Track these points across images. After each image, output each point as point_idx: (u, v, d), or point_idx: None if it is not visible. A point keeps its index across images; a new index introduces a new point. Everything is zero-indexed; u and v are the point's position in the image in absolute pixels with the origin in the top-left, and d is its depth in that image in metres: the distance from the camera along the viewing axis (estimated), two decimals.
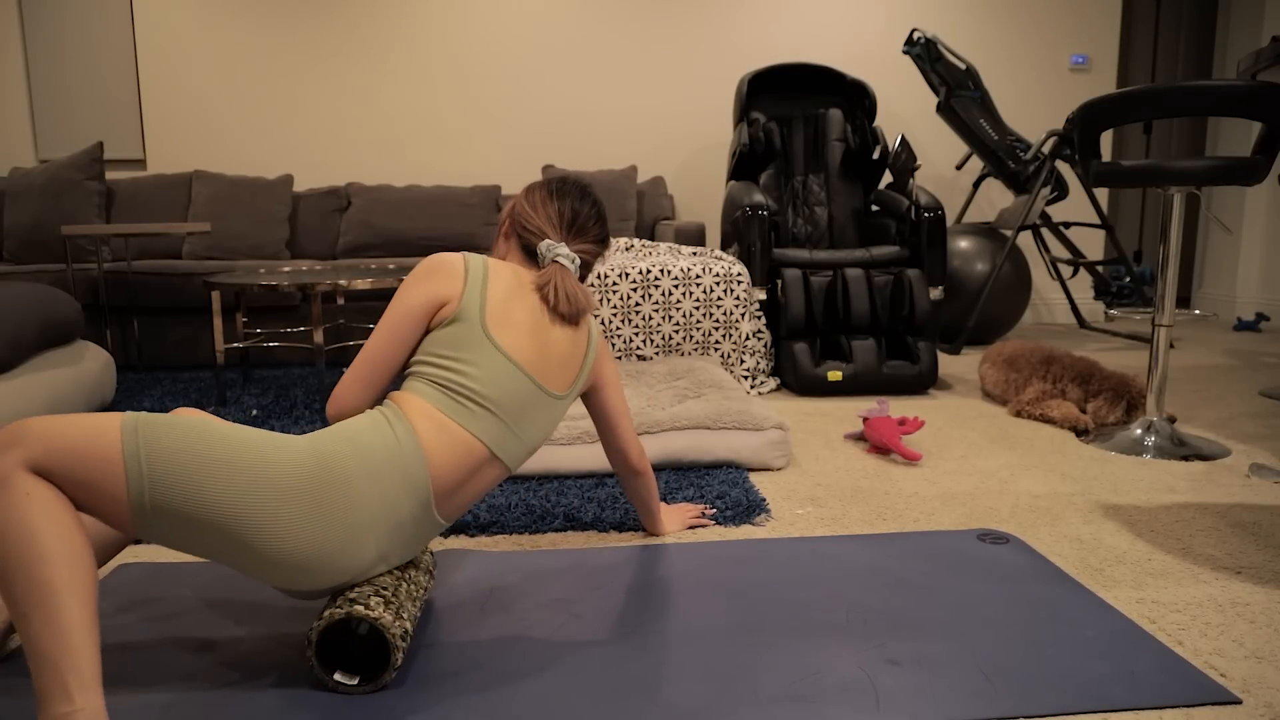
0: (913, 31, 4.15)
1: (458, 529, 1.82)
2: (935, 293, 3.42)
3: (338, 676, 1.18)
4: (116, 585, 1.55)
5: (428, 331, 1.32)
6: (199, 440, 1.10)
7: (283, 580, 1.16)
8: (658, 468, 2.20)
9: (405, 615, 1.22)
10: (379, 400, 1.34)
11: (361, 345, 3.78)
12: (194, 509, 1.08)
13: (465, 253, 1.38)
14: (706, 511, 1.87)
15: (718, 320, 3.16)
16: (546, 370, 1.37)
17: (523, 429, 1.34)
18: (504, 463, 1.33)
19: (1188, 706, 1.15)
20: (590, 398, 1.57)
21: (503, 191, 4.73)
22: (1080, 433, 2.60)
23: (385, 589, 1.22)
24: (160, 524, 1.09)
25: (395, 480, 1.20)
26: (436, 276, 1.32)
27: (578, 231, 1.48)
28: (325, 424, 2.70)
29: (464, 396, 1.27)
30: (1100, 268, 4.65)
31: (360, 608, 1.16)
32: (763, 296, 3.31)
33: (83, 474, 1.05)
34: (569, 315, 1.41)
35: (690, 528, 1.82)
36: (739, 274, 3.17)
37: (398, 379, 1.36)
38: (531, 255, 1.46)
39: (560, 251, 1.43)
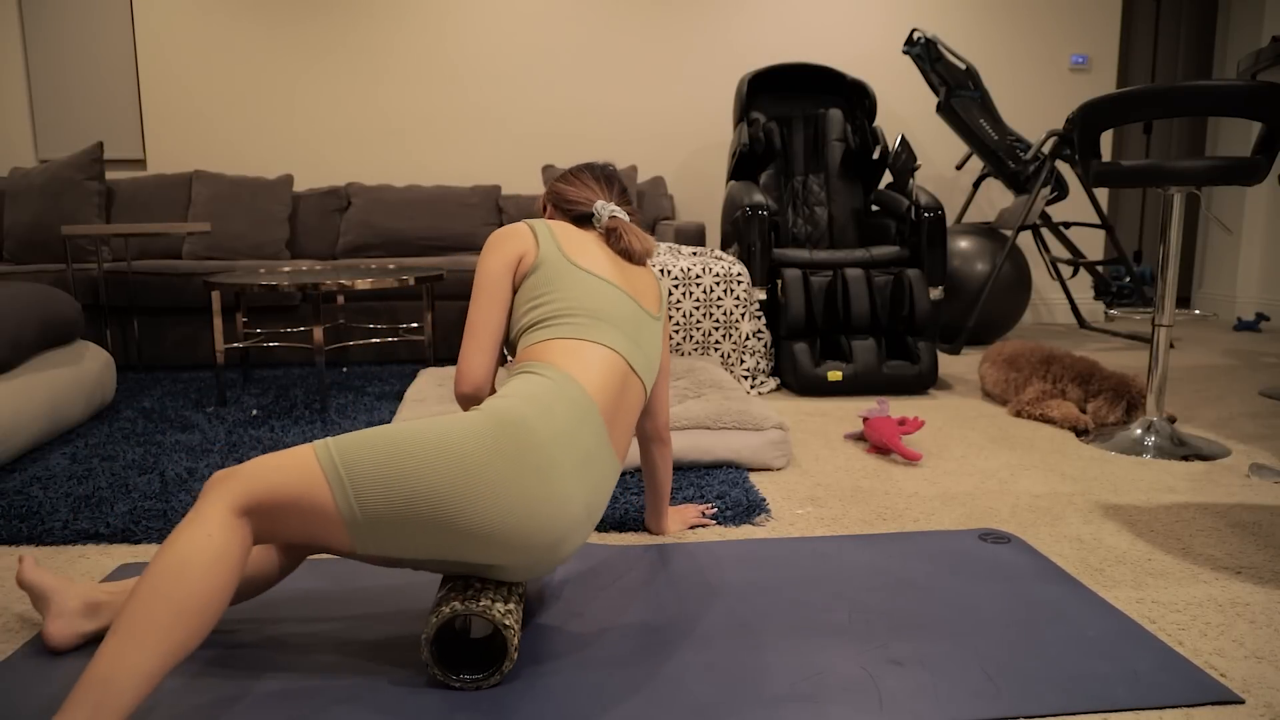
0: (913, 31, 4.15)
1: None
2: (935, 293, 3.42)
3: (463, 676, 1.19)
4: None
5: (515, 292, 1.39)
6: (383, 439, 1.13)
7: (506, 556, 1.14)
8: None
9: (518, 632, 1.22)
10: (497, 364, 1.39)
11: (361, 345, 3.78)
12: (400, 504, 1.09)
13: (527, 220, 1.46)
14: (707, 511, 1.87)
15: (718, 320, 3.16)
16: (637, 290, 1.45)
17: (641, 342, 1.39)
18: (639, 377, 1.37)
19: (1189, 706, 1.15)
20: None
21: (503, 191, 4.73)
22: (1080, 433, 2.60)
23: (500, 596, 1.22)
24: (375, 532, 1.10)
25: (567, 410, 1.21)
26: (506, 239, 1.40)
27: (619, 191, 1.58)
28: (324, 425, 2.70)
29: (577, 316, 1.33)
30: (1100, 268, 4.65)
31: (509, 622, 1.18)
32: (763, 296, 3.31)
33: (292, 501, 1.07)
34: (640, 254, 1.50)
35: (691, 527, 1.83)
36: (739, 274, 3.17)
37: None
38: (581, 222, 1.55)
39: (613, 208, 1.53)
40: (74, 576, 1.60)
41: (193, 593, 1.00)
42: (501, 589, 1.24)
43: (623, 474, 2.16)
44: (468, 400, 1.36)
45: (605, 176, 1.60)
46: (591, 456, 1.23)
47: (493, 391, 1.40)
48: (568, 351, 1.29)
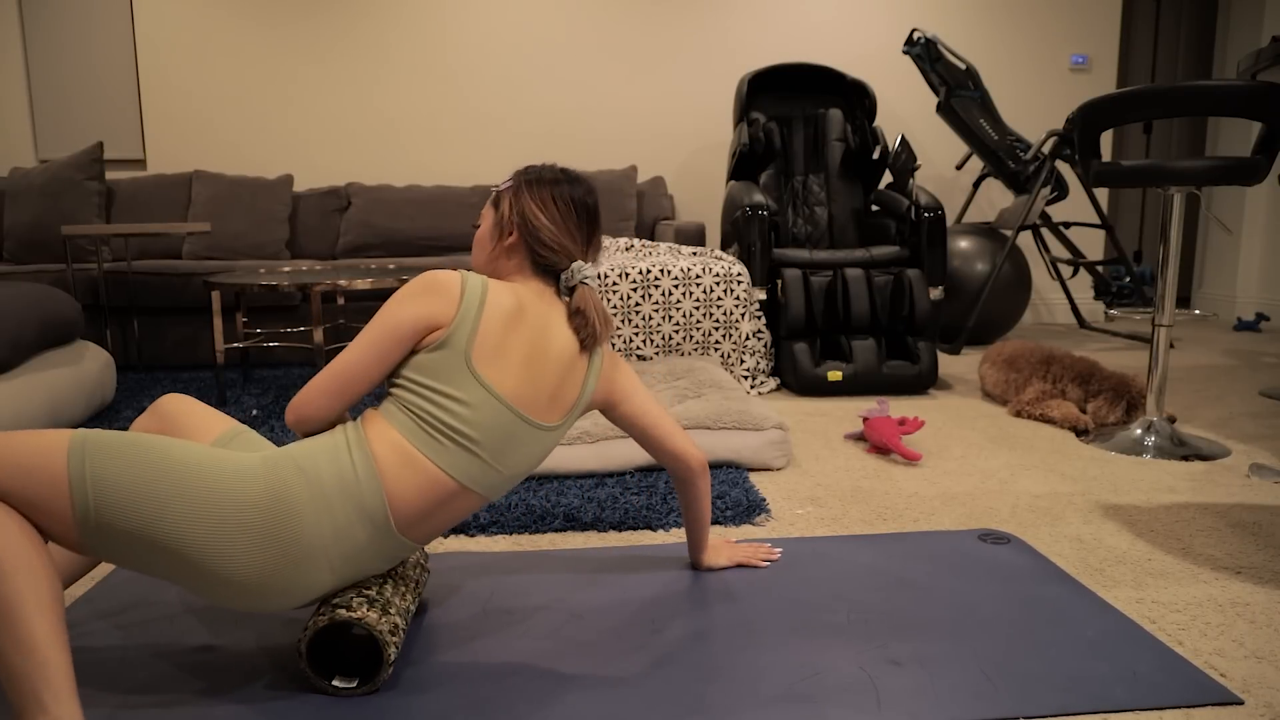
0: (913, 32, 4.15)
1: (458, 529, 1.81)
2: (935, 293, 3.42)
3: (336, 682, 1.18)
4: (105, 593, 1.55)
5: (413, 353, 1.24)
6: (147, 466, 1.09)
7: (237, 602, 1.14)
8: (658, 468, 2.20)
9: (393, 610, 1.21)
10: (343, 415, 1.27)
11: None
12: (140, 533, 1.07)
13: (464, 272, 1.27)
14: (769, 556, 1.64)
15: (718, 320, 3.16)
16: (537, 403, 1.28)
17: (504, 463, 1.26)
18: (479, 494, 1.26)
19: (1189, 706, 1.15)
20: (613, 414, 1.45)
21: None
22: (1080, 433, 2.60)
23: (369, 588, 1.22)
24: (108, 544, 1.08)
25: (348, 510, 1.16)
26: (430, 296, 1.22)
27: (596, 237, 1.40)
28: None
29: (439, 431, 1.20)
30: (1100, 268, 4.65)
31: (343, 611, 1.16)
32: (763, 296, 3.31)
33: (30, 493, 1.05)
34: (594, 343, 1.34)
35: (739, 565, 1.62)
36: (739, 274, 3.17)
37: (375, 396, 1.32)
38: (541, 269, 1.35)
39: (587, 272, 1.35)
40: None
41: (10, 552, 1.00)
42: (386, 587, 1.24)
43: (624, 473, 2.16)
44: (293, 426, 1.25)
45: (589, 215, 1.37)
46: (361, 550, 1.18)
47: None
48: (399, 455, 1.18)
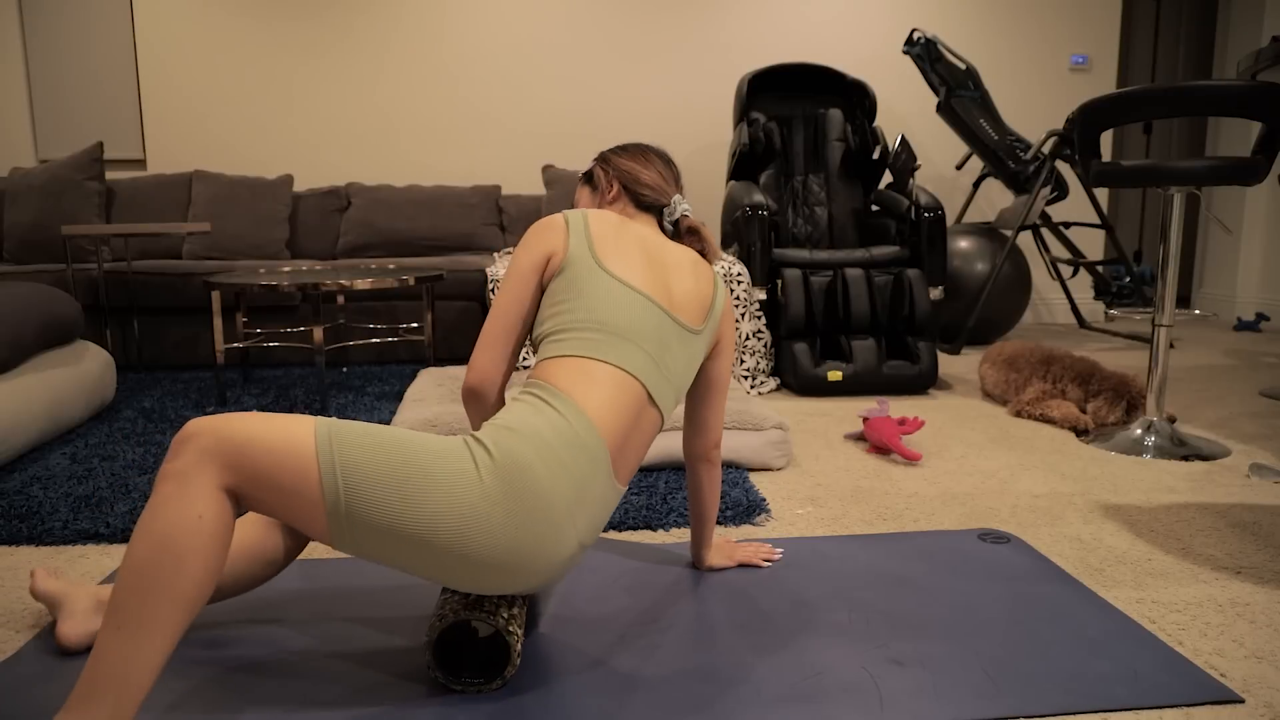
0: (913, 32, 4.15)
1: None
2: (935, 293, 3.42)
3: (465, 678, 1.19)
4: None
5: (545, 291, 1.31)
6: (394, 452, 1.07)
7: (489, 585, 1.11)
8: (657, 468, 2.20)
9: (514, 609, 1.22)
10: (513, 364, 1.33)
11: (361, 345, 3.78)
12: (391, 522, 1.04)
13: (566, 211, 1.38)
14: (770, 556, 1.64)
15: None
16: (673, 300, 1.33)
17: (665, 363, 1.28)
18: (657, 405, 1.26)
19: (1189, 706, 1.15)
20: (704, 362, 1.46)
21: (503, 191, 4.73)
22: (1080, 433, 2.60)
23: (516, 605, 1.22)
24: (356, 535, 1.06)
25: (571, 453, 1.14)
26: (539, 236, 1.33)
27: (680, 185, 1.53)
28: None
29: (597, 330, 1.23)
30: (1100, 268, 4.65)
31: (513, 628, 1.18)
32: (763, 296, 3.31)
33: (278, 481, 1.02)
34: (713, 256, 1.47)
35: (740, 566, 1.62)
36: (739, 274, 3.17)
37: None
38: (643, 208, 1.48)
39: (686, 205, 1.49)
40: (74, 576, 1.60)
41: (193, 582, 0.98)
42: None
43: None
44: (471, 394, 1.30)
45: (671, 164, 1.53)
46: (590, 493, 1.16)
47: (500, 403, 1.33)
48: (582, 375, 1.20)
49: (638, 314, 1.26)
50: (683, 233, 1.48)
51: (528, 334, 1.33)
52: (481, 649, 1.27)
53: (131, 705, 0.96)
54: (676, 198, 1.48)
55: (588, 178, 1.53)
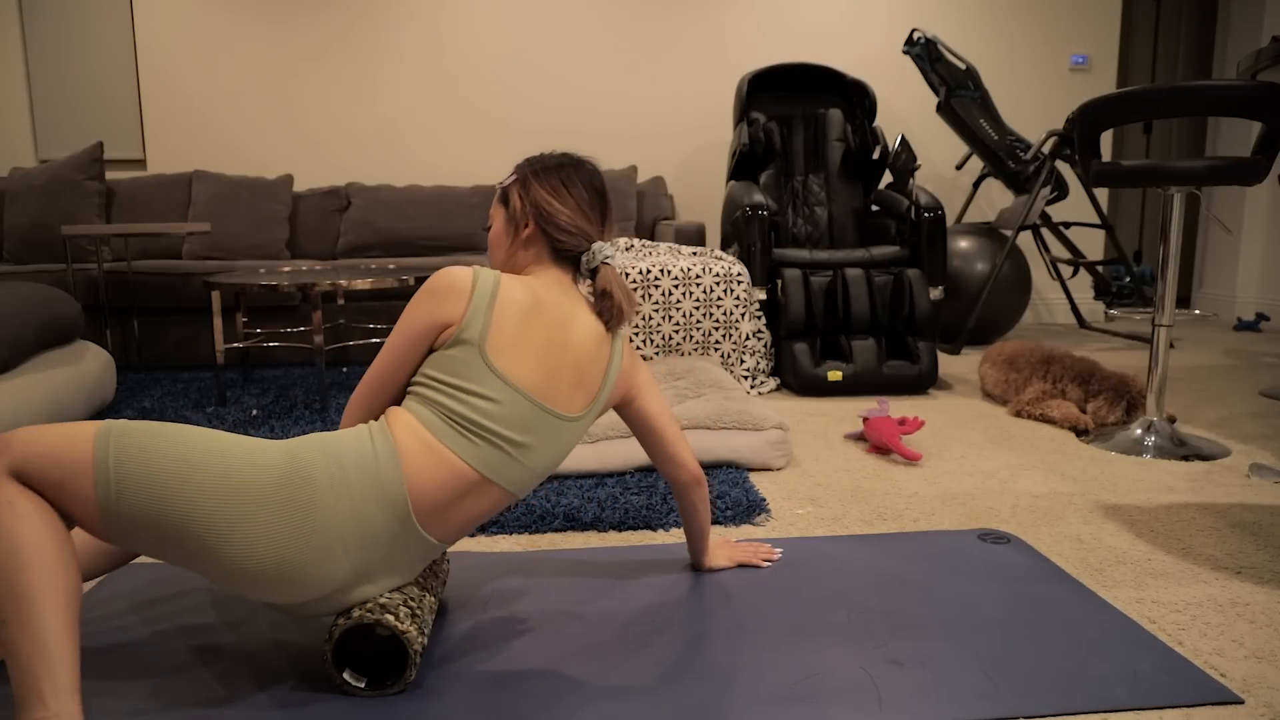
0: (913, 32, 4.15)
1: None
2: (935, 293, 3.42)
3: (346, 675, 1.18)
4: (129, 586, 1.55)
5: (431, 350, 1.25)
6: (168, 443, 1.10)
7: (256, 592, 1.13)
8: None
9: (425, 632, 1.22)
10: (382, 412, 1.29)
11: (361, 345, 3.78)
12: (160, 513, 1.07)
13: (477, 269, 1.27)
14: (770, 555, 1.64)
15: (718, 320, 3.16)
16: (557, 394, 1.27)
17: (528, 455, 1.25)
18: (503, 488, 1.25)
19: (1189, 706, 1.15)
20: (625, 409, 1.44)
21: None
22: (1080, 433, 2.60)
23: (413, 600, 1.22)
24: (131, 530, 1.08)
25: (366, 490, 1.15)
26: (438, 297, 1.23)
27: (610, 224, 1.38)
28: (324, 425, 2.70)
29: (459, 424, 1.20)
30: (1100, 268, 4.65)
31: (390, 617, 1.16)
32: (763, 296, 3.31)
33: (57, 478, 1.06)
34: (618, 324, 1.35)
35: (740, 565, 1.62)
36: (739, 274, 3.17)
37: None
38: (561, 258, 1.35)
39: (607, 252, 1.34)
40: None
41: (36, 545, 1.02)
42: (410, 587, 1.24)
43: (624, 473, 2.16)
44: None
45: (600, 195, 1.37)
46: (380, 540, 1.16)
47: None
48: (419, 444, 1.18)
49: (510, 415, 1.22)
50: (596, 292, 1.34)
51: (402, 391, 1.28)
52: (382, 651, 1.26)
53: (65, 672, 0.99)
54: (597, 245, 1.33)
55: (505, 198, 1.38)
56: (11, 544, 1.02)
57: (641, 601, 1.46)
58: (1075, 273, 4.52)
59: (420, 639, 1.19)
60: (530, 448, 1.25)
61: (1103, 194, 5.50)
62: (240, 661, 1.27)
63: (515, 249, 1.36)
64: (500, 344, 1.23)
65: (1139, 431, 2.42)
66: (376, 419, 1.26)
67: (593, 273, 1.35)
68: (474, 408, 1.21)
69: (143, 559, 1.68)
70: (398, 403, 1.28)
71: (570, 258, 1.36)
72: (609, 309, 1.33)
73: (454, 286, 1.23)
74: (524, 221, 1.34)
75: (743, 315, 3.18)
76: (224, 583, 1.13)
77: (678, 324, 3.14)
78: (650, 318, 3.13)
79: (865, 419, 2.41)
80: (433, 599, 1.29)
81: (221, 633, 1.36)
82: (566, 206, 1.33)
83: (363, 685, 1.18)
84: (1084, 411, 2.68)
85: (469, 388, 1.21)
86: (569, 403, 1.29)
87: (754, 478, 2.18)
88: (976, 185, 4.64)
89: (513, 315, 1.24)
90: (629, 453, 2.16)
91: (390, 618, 1.16)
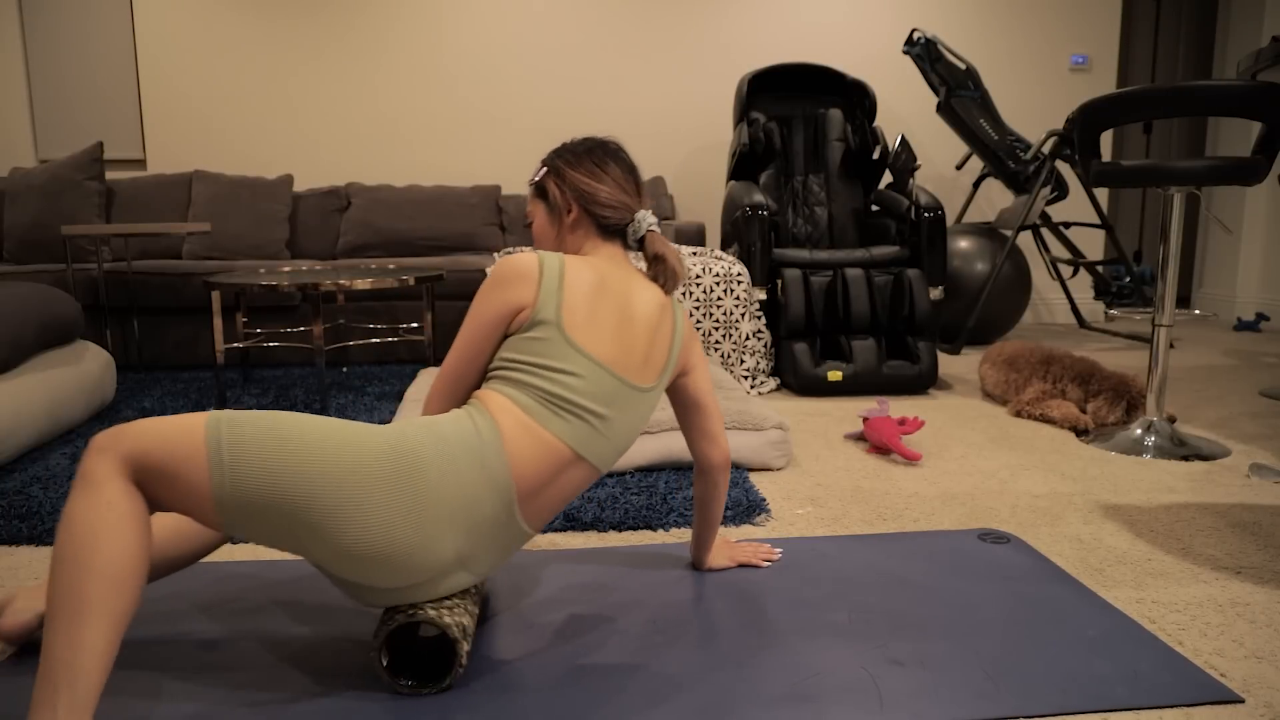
0: (913, 32, 4.15)
1: None
2: (935, 293, 3.42)
3: (390, 675, 1.19)
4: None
5: (508, 336, 1.28)
6: (278, 426, 1.10)
7: (359, 573, 1.12)
8: (658, 468, 2.20)
9: (468, 637, 1.22)
10: (464, 402, 1.31)
11: (361, 345, 3.78)
12: (271, 495, 1.07)
13: (540, 253, 1.31)
14: (770, 556, 1.64)
15: (718, 320, 3.16)
16: (631, 365, 1.30)
17: (611, 428, 1.28)
18: (591, 464, 1.27)
19: (1189, 706, 1.15)
20: (677, 382, 1.46)
21: (503, 191, 4.73)
22: (1080, 433, 2.60)
23: (457, 606, 1.22)
24: (242, 513, 1.08)
25: (473, 472, 1.16)
26: (509, 284, 1.26)
27: (644, 192, 1.43)
28: None
29: (550, 402, 1.22)
30: (1100, 268, 4.66)
31: (444, 614, 1.17)
32: (763, 296, 3.31)
33: (170, 468, 1.05)
34: (674, 286, 1.40)
35: (741, 566, 1.62)
36: (739, 274, 3.17)
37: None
38: (609, 233, 1.39)
39: (650, 219, 1.39)
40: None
41: (115, 560, 1.01)
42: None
43: (624, 473, 2.16)
44: None
45: (630, 167, 1.41)
46: (484, 521, 1.17)
47: None
48: (516, 422, 1.20)
49: (594, 389, 1.25)
50: (649, 258, 1.39)
51: (482, 377, 1.31)
52: (429, 650, 1.26)
53: (86, 691, 0.97)
54: (640, 214, 1.39)
55: (541, 192, 1.42)
56: (90, 548, 1.00)
57: (641, 601, 1.46)
58: (1075, 273, 4.52)
59: (466, 643, 1.19)
60: (611, 421, 1.28)
61: (1103, 194, 5.50)
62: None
63: (563, 235, 1.41)
64: (575, 321, 1.26)
65: (1139, 431, 2.42)
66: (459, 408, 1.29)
67: (639, 242, 1.40)
68: (561, 384, 1.23)
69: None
70: (476, 389, 1.31)
71: (616, 231, 1.40)
72: (664, 272, 1.38)
73: (522, 272, 1.27)
74: (567, 208, 1.39)
75: (743, 315, 3.18)
76: (332, 564, 1.12)
77: None
78: None
79: (865, 419, 2.41)
80: (474, 604, 1.29)
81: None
82: (605, 184, 1.38)
83: (410, 684, 1.19)
84: (1084, 411, 2.68)
85: (553, 365, 1.24)
86: (641, 374, 1.32)
87: (754, 478, 2.18)
88: (976, 185, 4.64)
89: (583, 293, 1.28)
90: (628, 453, 2.16)
91: (443, 614, 1.17)
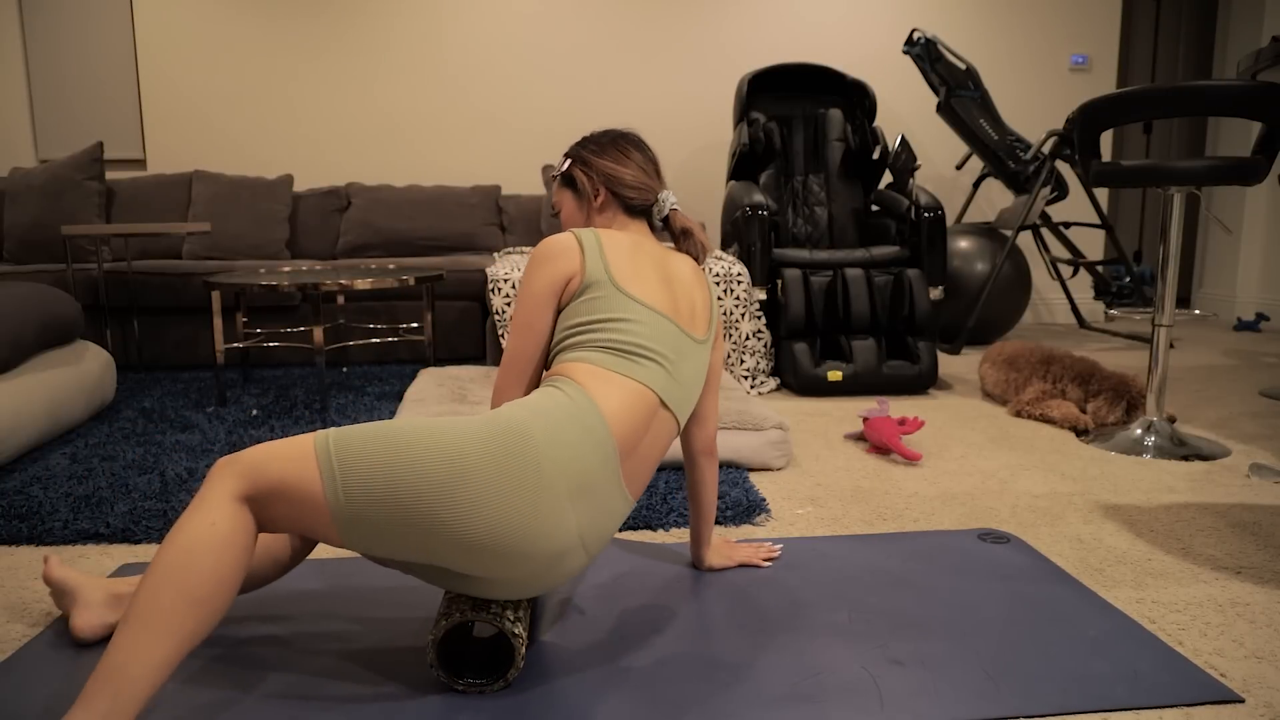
0: (913, 32, 4.15)
1: None
2: (935, 293, 3.42)
3: (469, 678, 1.20)
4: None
5: (560, 311, 1.32)
6: (381, 432, 1.11)
7: (486, 566, 1.11)
8: (658, 467, 2.20)
9: (517, 611, 1.23)
10: (535, 385, 1.34)
11: (361, 345, 3.78)
12: (385, 499, 1.06)
13: (573, 229, 1.39)
14: (770, 555, 1.65)
15: None
16: (682, 314, 1.35)
17: (681, 374, 1.31)
18: (673, 413, 1.29)
19: (1189, 706, 1.15)
20: None
21: (503, 191, 4.73)
22: (1080, 433, 2.60)
23: (520, 607, 1.23)
24: (360, 527, 1.08)
25: (576, 433, 1.15)
26: (554, 259, 1.32)
27: (661, 176, 1.50)
28: (324, 425, 2.70)
29: (621, 350, 1.25)
30: (1100, 268, 4.66)
31: (518, 630, 1.18)
32: (763, 296, 3.31)
33: (285, 485, 1.07)
34: (704, 257, 1.48)
35: (740, 565, 1.62)
36: (739, 274, 3.17)
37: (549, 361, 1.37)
38: (635, 213, 1.46)
39: (673, 199, 1.48)
40: (86, 569, 1.60)
41: (201, 580, 1.01)
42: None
43: None
44: None
45: (650, 156, 1.49)
46: (594, 486, 1.16)
47: None
48: (598, 377, 1.22)
49: (657, 334, 1.29)
50: (676, 234, 1.49)
51: (548, 355, 1.34)
52: (485, 650, 1.27)
53: (131, 702, 0.97)
54: (664, 194, 1.47)
55: (568, 181, 1.49)
56: (181, 564, 1.01)
57: (642, 601, 1.46)
58: (1075, 273, 4.52)
59: (522, 641, 1.20)
60: (679, 364, 1.32)
61: (1103, 194, 5.50)
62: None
63: (591, 217, 1.48)
64: (624, 275, 1.32)
65: (1139, 431, 2.42)
66: (534, 387, 1.32)
67: (664, 221, 1.49)
68: (627, 331, 1.27)
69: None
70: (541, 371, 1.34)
71: (642, 211, 1.47)
72: (693, 245, 1.48)
73: (565, 246, 1.33)
74: (595, 192, 1.46)
75: (743, 315, 3.18)
76: (458, 560, 1.10)
77: None
78: None
79: (865, 419, 2.41)
80: (526, 606, 1.29)
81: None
82: (629, 168, 1.46)
83: (485, 681, 1.19)
84: (1084, 411, 2.69)
85: (614, 316, 1.28)
86: (692, 325, 1.37)
87: (754, 478, 2.18)
88: (976, 185, 4.64)
89: (625, 253, 1.34)
90: None
91: (498, 616, 1.17)
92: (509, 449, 1.11)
